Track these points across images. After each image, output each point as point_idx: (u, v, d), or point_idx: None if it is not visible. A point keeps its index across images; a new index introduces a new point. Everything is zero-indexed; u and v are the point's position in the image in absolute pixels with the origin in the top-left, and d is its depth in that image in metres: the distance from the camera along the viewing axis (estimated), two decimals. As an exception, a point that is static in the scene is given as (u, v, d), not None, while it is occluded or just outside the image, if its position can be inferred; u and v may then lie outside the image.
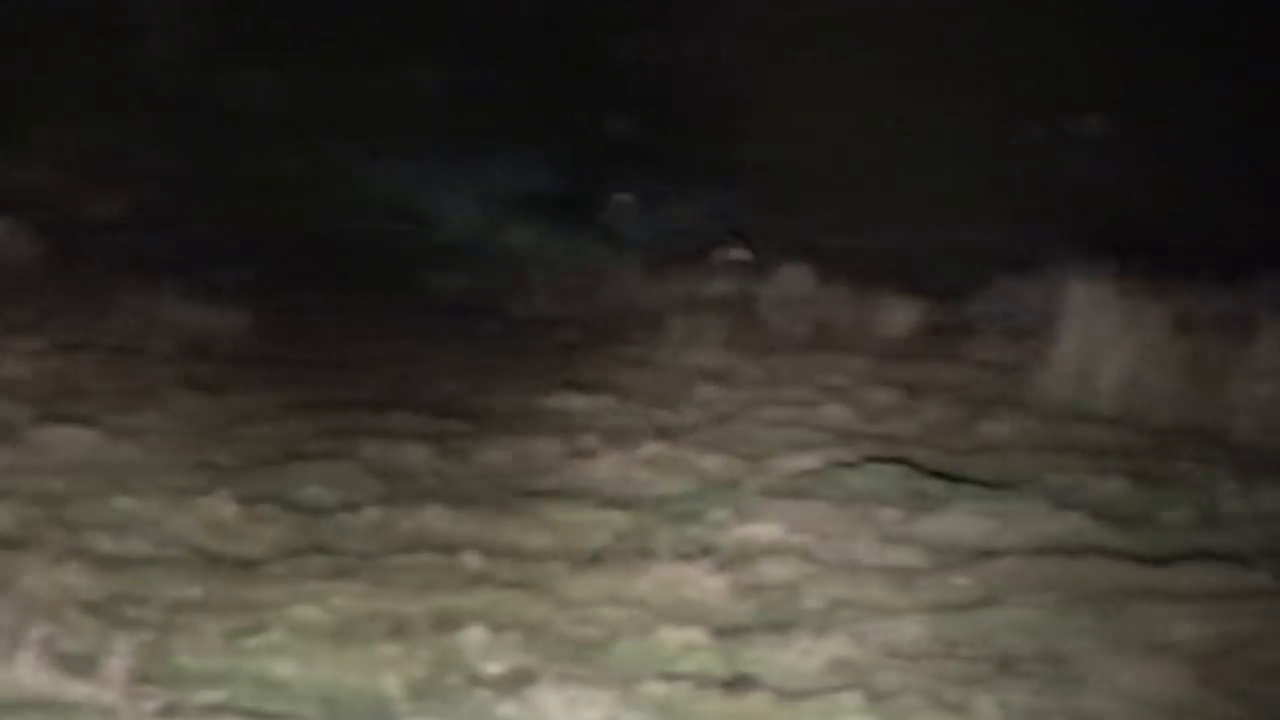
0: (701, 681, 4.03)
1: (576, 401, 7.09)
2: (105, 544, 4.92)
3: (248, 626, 4.26)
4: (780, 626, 4.41)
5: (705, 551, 5.00)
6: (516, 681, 3.97)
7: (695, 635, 4.31)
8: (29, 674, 3.75)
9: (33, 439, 5.94)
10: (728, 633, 4.38)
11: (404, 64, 14.71)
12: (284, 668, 4.02)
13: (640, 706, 3.85)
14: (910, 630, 4.38)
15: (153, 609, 4.40)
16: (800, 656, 4.18)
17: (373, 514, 5.38)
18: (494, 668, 4.09)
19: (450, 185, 12.52)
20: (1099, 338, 7.30)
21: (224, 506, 5.32)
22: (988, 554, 5.03)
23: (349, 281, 9.68)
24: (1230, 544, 5.13)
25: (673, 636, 4.30)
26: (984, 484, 5.85)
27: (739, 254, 10.64)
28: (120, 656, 3.79)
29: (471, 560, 4.91)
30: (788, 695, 3.94)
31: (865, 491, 5.62)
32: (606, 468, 6.07)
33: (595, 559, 5.01)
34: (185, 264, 9.11)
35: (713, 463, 6.11)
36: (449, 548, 5.02)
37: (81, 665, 3.83)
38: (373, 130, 13.26)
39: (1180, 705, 3.94)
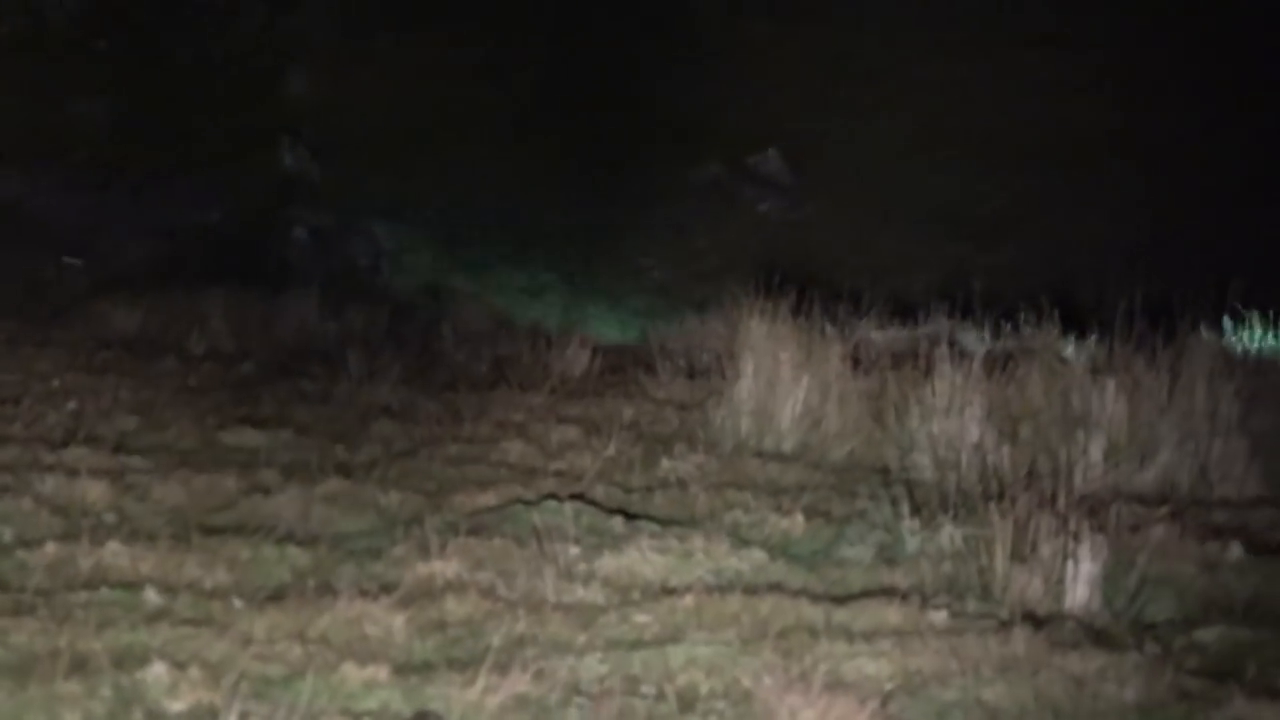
0: (383, 718, 4.09)
1: (255, 437, 7.15)
2: None
3: (-76, 664, 4.13)
4: (462, 664, 4.43)
5: (387, 588, 5.04)
6: (199, 719, 4.00)
7: (377, 672, 4.31)
8: None
9: None
10: (410, 670, 4.40)
11: (78, 94, 14.32)
12: (-38, 706, 3.90)
13: (323, 743, 3.85)
14: (593, 668, 4.42)
15: None
16: (482, 694, 4.20)
17: (51, 550, 5.28)
18: (177, 705, 4.07)
19: (124, 218, 12.30)
20: (778, 375, 7.51)
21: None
22: (668, 591, 5.11)
23: (23, 317, 9.63)
24: (910, 581, 5.29)
25: (355, 674, 4.31)
26: (664, 521, 5.97)
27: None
28: None
29: (152, 597, 4.86)
30: (470, 733, 3.97)
31: (546, 528, 5.66)
32: (286, 504, 6.08)
33: (276, 595, 5.00)
34: None
35: (394, 499, 6.19)
36: (129, 584, 4.98)
37: None
38: (42, 163, 12.90)
39: (861, 743, 4.04)
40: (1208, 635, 4.81)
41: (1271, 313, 9.87)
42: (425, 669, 4.41)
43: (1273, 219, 13.16)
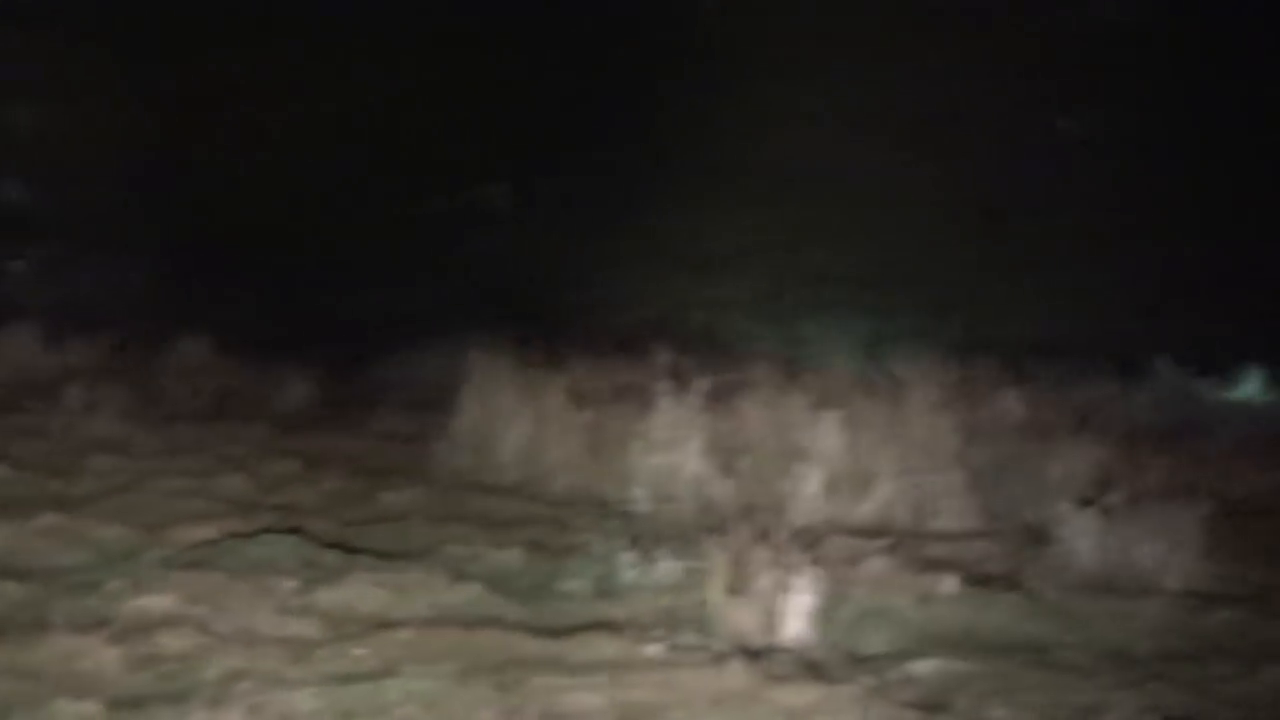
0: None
1: (-34, 473, 6.94)
2: None
3: None
4: (177, 698, 4.36)
5: (101, 623, 4.94)
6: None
7: (91, 708, 4.25)
8: None
9: None
10: (124, 704, 4.31)
11: None
12: None
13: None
14: (307, 702, 4.36)
15: None
16: (197, 728, 4.14)
17: None
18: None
19: None
20: (498, 409, 7.55)
21: None
22: (385, 625, 5.07)
23: None
24: (627, 614, 5.30)
25: (67, 708, 4.23)
26: (382, 554, 5.92)
27: None
28: None
29: None
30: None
31: (262, 562, 5.63)
32: (0, 538, 5.93)
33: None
34: None
35: (110, 533, 6.09)
36: None
37: None
38: None
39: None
40: (922, 667, 4.89)
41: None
42: (138, 704, 4.31)
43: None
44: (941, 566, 5.93)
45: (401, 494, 6.95)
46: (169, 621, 4.97)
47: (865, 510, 6.78)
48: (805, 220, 14.10)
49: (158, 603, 5.13)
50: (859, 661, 4.96)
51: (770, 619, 5.06)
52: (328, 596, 5.32)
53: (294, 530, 6.12)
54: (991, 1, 16.83)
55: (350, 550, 5.93)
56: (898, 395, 7.35)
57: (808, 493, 6.70)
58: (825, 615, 5.12)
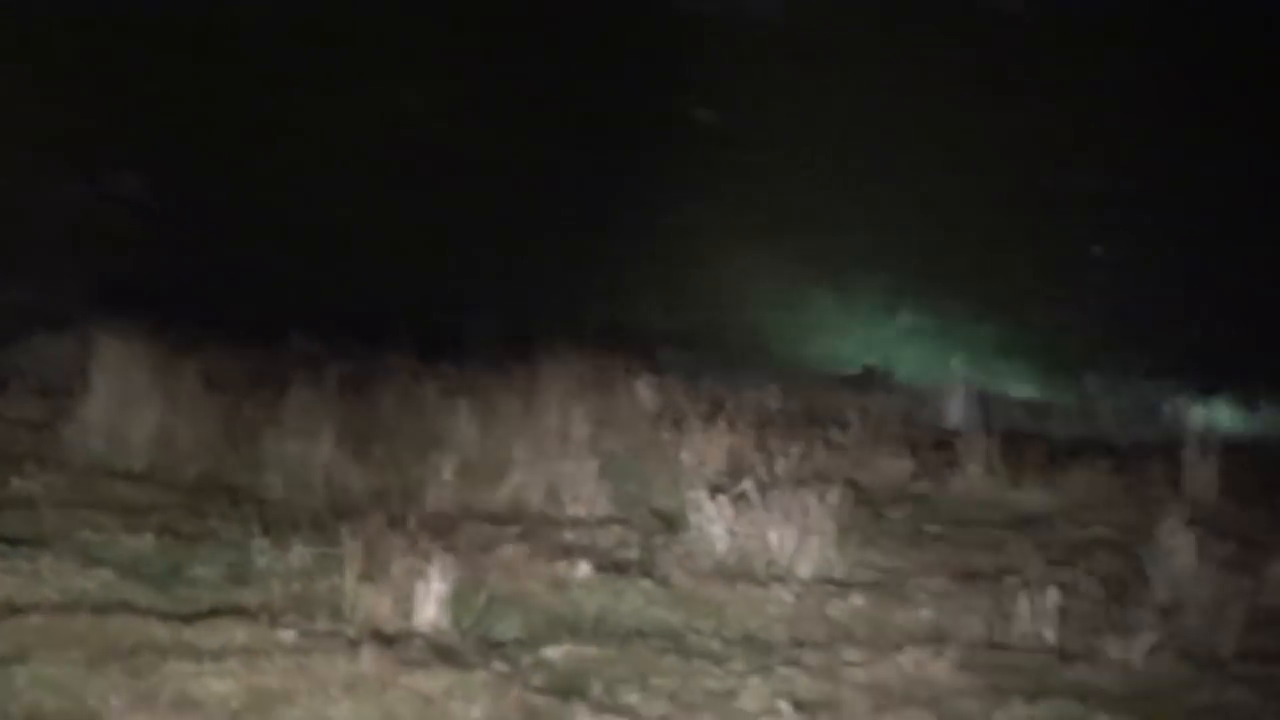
0: None
1: None
2: None
3: None
4: None
5: None
6: None
7: None
8: None
9: None
10: None
11: None
12: None
13: None
14: None
15: None
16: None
17: None
18: None
19: None
20: (130, 394, 7.44)
21: None
22: (15, 610, 4.97)
23: None
24: (259, 600, 5.29)
25: None
26: (12, 541, 5.76)
27: None
28: None
29: None
30: None
31: None
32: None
33: None
34: None
35: None
36: None
37: None
38: None
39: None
40: (554, 653, 5.03)
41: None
42: None
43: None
44: (574, 553, 6.09)
45: (32, 480, 6.73)
46: None
47: (499, 497, 6.89)
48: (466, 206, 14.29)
49: None
50: (492, 647, 5.06)
51: (404, 605, 5.11)
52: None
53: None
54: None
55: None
56: (532, 384, 7.51)
57: (442, 479, 6.78)
58: (459, 601, 5.19)
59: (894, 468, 8.03)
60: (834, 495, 6.45)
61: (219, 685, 4.43)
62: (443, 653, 4.88)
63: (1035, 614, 5.49)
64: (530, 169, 15.30)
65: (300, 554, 5.62)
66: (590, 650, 5.09)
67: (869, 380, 11.36)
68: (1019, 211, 15.78)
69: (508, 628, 5.31)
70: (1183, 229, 15.52)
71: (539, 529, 6.47)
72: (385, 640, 4.88)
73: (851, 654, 5.23)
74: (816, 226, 15.12)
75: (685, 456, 7.39)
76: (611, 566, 6.02)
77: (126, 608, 5.08)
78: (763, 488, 6.56)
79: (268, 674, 4.54)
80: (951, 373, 10.80)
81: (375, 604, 5.13)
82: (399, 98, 16.20)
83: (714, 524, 6.32)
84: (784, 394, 9.58)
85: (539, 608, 5.55)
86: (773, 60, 17.26)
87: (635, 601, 5.71)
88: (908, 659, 5.13)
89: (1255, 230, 15.64)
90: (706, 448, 7.45)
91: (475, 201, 14.65)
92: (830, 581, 6.08)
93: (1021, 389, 11.17)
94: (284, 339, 9.59)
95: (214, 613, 5.11)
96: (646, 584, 5.88)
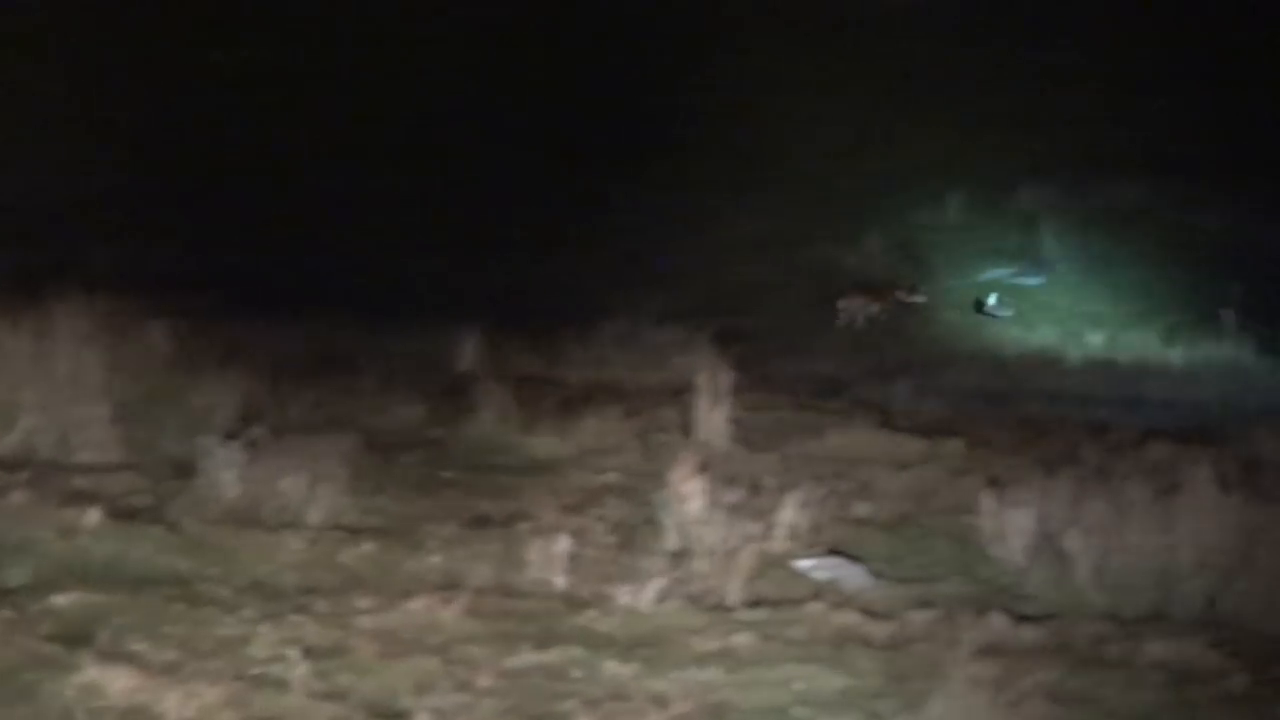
0: None
1: None
2: None
3: None
4: None
5: None
6: None
7: None
8: None
9: None
10: None
11: None
12: None
13: None
14: None
15: None
16: None
17: None
18: None
19: None
20: None
21: None
22: None
23: None
24: None
25: None
26: None
27: None
28: None
29: None
30: None
31: None
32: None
33: None
34: None
35: None
36: None
37: None
38: None
39: None
40: (63, 600, 5.19)
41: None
42: None
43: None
44: (85, 500, 6.18)
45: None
46: None
47: (7, 443, 6.92)
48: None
49: None
50: (1, 595, 5.19)
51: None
52: None
53: None
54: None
55: None
56: (43, 328, 7.45)
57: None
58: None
59: (406, 413, 8.31)
60: (346, 441, 6.73)
61: None
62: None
63: (545, 560, 5.85)
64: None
65: None
66: (99, 598, 5.24)
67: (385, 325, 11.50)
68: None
69: (15, 575, 5.43)
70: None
71: (48, 475, 6.53)
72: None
73: (362, 601, 5.49)
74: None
75: (197, 402, 7.53)
76: (122, 513, 6.14)
77: None
78: (275, 434, 6.78)
79: None
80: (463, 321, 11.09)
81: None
82: None
83: (225, 470, 6.48)
84: (300, 338, 9.72)
85: (48, 555, 5.65)
86: None
87: (145, 549, 5.85)
88: (418, 605, 5.43)
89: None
90: (219, 393, 7.60)
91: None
92: (341, 528, 6.31)
93: (537, 334, 11.47)
94: None
95: None
96: (157, 531, 6.03)
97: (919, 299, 14.63)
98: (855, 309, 14.37)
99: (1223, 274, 14.56)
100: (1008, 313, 14.66)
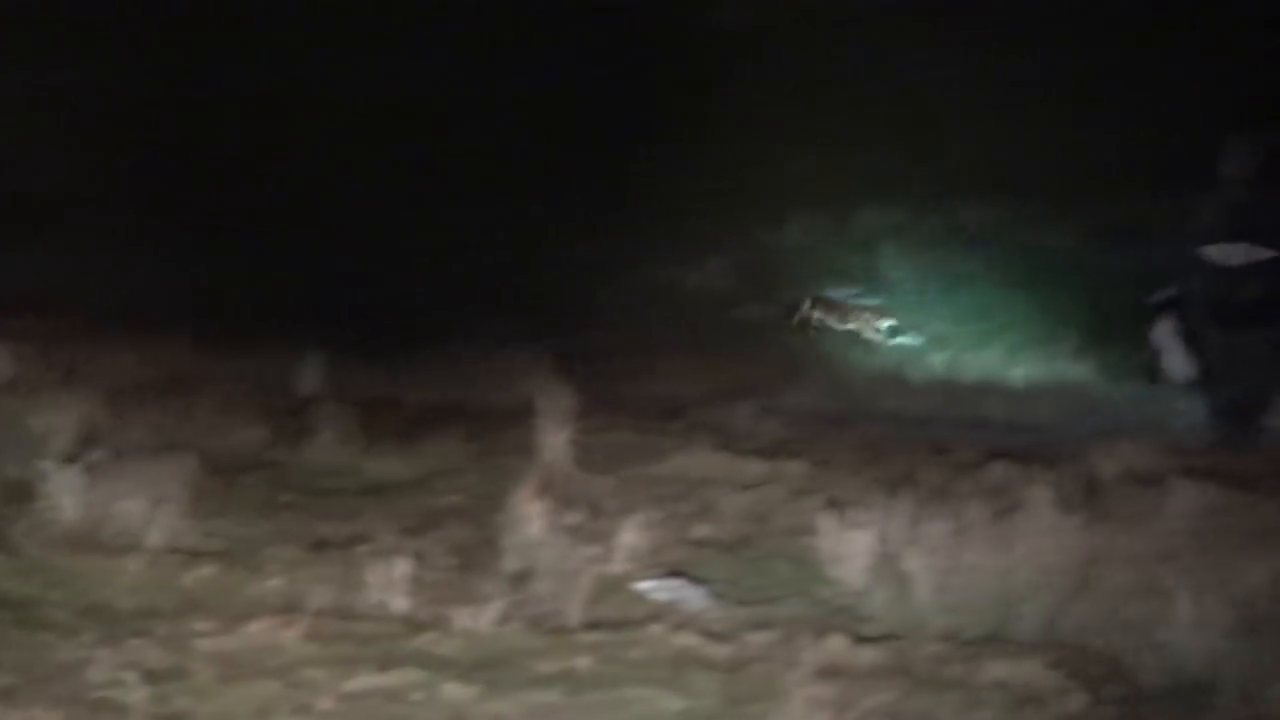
0: None
1: None
2: None
3: None
4: None
5: None
6: None
7: None
8: None
9: None
10: None
11: None
12: None
13: None
14: None
15: None
16: None
17: None
18: None
19: None
20: None
21: None
22: None
23: None
24: None
25: None
26: None
27: None
28: None
29: None
30: None
31: None
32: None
33: None
34: None
35: None
36: None
37: None
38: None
39: None
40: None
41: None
42: None
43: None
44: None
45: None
46: None
47: None
48: None
49: None
50: None
51: None
52: None
53: None
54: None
55: None
56: None
57: None
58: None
59: (247, 436, 8.34)
60: (186, 464, 6.76)
61: None
62: None
63: (386, 583, 5.93)
64: None
65: None
66: (-65, 623, 5.19)
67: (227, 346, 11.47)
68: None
69: None
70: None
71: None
72: None
73: (201, 624, 5.54)
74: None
75: (36, 425, 7.50)
76: None
77: None
78: (115, 456, 6.77)
79: None
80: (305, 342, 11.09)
81: None
82: None
83: (64, 494, 6.52)
84: (139, 361, 9.67)
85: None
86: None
87: (-16, 573, 5.78)
88: (258, 628, 5.49)
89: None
90: (58, 416, 7.57)
91: None
92: (181, 551, 6.35)
93: (379, 356, 11.53)
94: None
95: None
96: (-3, 554, 5.96)
97: (882, 326, 14.75)
98: (812, 317, 14.46)
99: (1065, 295, 14.92)
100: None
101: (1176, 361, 12.09)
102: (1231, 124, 11.66)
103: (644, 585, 6.34)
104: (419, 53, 18.83)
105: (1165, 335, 12.11)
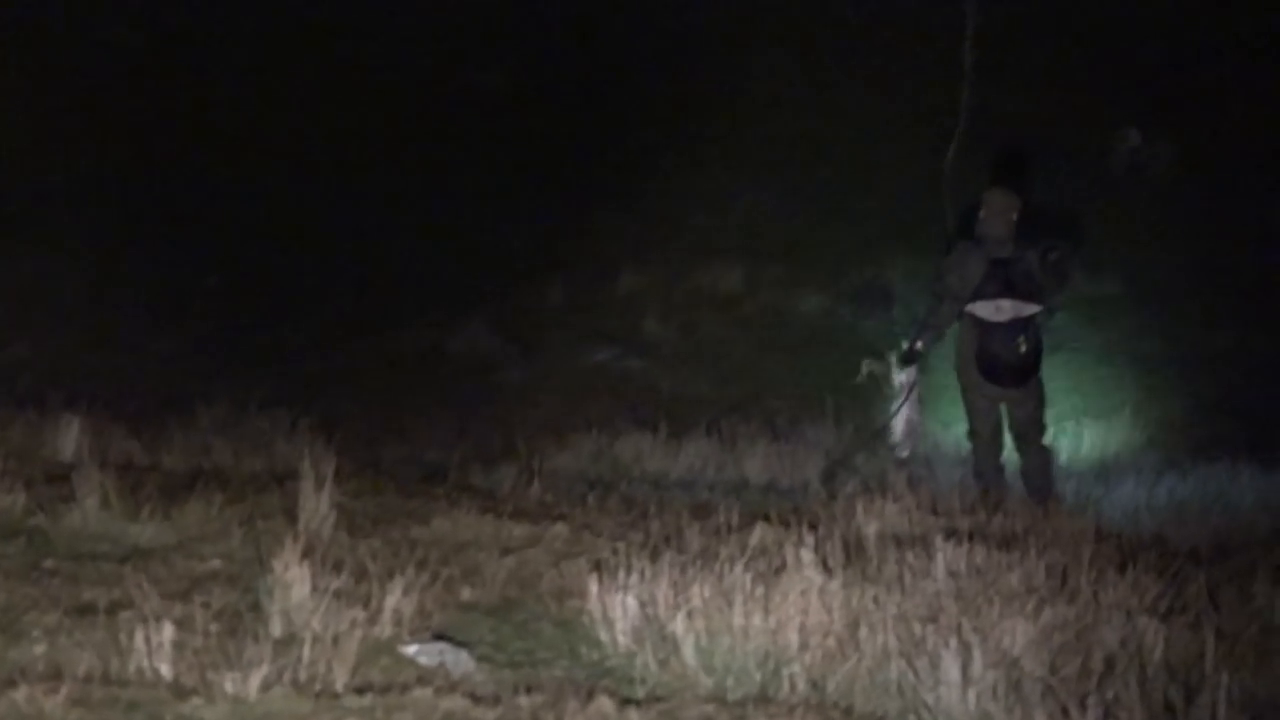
0: None
1: None
2: None
3: None
4: None
5: None
6: None
7: None
8: None
9: None
10: None
11: None
12: None
13: None
14: None
15: None
16: None
17: None
18: None
19: None
20: None
21: None
22: None
23: None
24: None
25: None
26: None
27: None
28: None
29: None
30: None
31: None
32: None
33: None
34: None
35: None
36: None
37: None
38: None
39: None
40: None
41: None
42: None
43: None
44: None
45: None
46: None
47: None
48: None
49: None
50: None
51: None
52: None
53: None
54: None
55: None
56: None
57: None
58: None
59: (6, 501, 8.28)
60: None
61: None
62: None
63: (150, 648, 5.94)
64: None
65: None
66: None
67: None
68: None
69: None
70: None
71: None
72: None
73: None
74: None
75: None
76: None
77: None
78: None
79: None
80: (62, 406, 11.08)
81: None
82: None
83: None
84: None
85: None
86: None
87: None
88: (20, 695, 5.47)
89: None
90: None
91: None
92: None
93: (138, 421, 11.47)
94: None
95: None
96: None
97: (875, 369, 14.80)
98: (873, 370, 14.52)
99: (820, 357, 15.40)
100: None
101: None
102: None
103: (410, 649, 6.41)
104: None
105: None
